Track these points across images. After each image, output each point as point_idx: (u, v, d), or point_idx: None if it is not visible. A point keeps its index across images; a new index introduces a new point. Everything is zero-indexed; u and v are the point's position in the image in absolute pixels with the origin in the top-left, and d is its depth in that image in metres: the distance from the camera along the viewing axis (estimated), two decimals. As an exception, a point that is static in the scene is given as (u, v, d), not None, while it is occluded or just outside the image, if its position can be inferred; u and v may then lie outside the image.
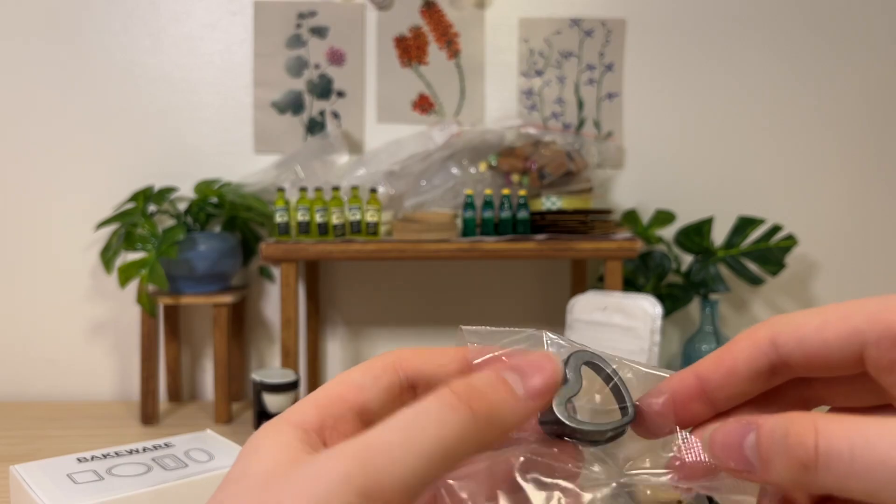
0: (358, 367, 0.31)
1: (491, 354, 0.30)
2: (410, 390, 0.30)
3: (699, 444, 0.28)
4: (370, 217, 1.10)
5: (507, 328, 0.31)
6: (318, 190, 1.13)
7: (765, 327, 0.28)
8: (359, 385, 0.30)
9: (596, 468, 0.28)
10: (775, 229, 1.22)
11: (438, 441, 0.25)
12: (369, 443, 0.25)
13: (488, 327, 0.31)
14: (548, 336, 0.31)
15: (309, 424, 0.28)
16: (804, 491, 0.25)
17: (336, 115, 1.28)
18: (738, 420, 0.26)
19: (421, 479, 0.25)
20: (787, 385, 0.29)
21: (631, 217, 1.27)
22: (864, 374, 0.27)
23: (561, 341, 0.31)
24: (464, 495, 0.27)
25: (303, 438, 0.27)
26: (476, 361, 0.30)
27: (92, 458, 0.67)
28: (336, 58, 1.28)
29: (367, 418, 0.29)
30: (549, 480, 0.28)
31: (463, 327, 0.31)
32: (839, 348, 0.27)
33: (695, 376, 0.29)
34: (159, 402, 1.17)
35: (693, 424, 0.29)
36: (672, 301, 1.22)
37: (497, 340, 0.31)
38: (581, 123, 1.30)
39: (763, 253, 1.23)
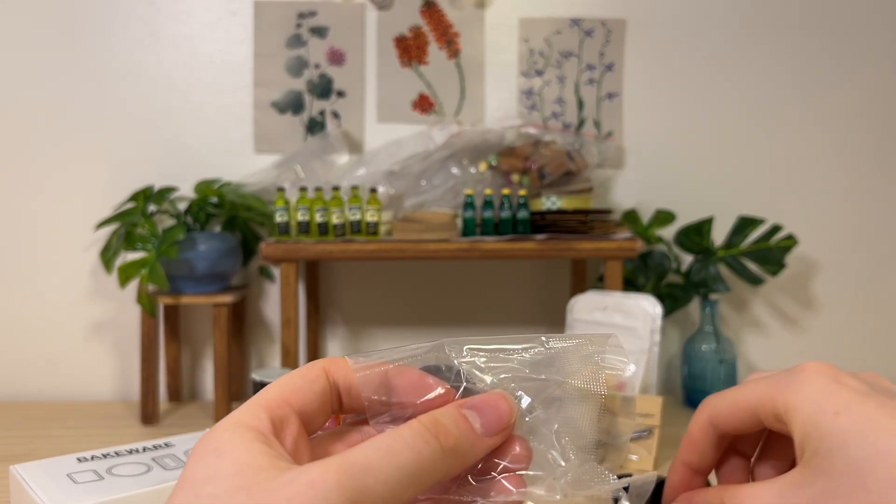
0: (295, 371, 0.34)
1: (383, 369, 0.34)
2: (338, 396, 0.34)
3: None
4: (370, 217, 1.10)
5: (392, 349, 0.34)
6: (318, 190, 1.13)
7: (704, 412, 0.39)
8: (299, 389, 0.32)
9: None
10: (775, 229, 1.22)
11: (413, 466, 0.29)
12: (356, 461, 0.28)
13: (372, 354, 0.34)
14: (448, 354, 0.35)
15: (265, 428, 0.30)
16: None
17: (336, 115, 1.28)
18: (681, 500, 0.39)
19: (398, 497, 0.28)
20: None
21: (631, 217, 1.27)
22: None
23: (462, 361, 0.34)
24: None
25: (265, 442, 0.29)
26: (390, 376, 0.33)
27: (92, 458, 0.67)
28: (336, 58, 1.28)
29: (306, 420, 0.32)
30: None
31: (349, 359, 0.34)
32: (747, 421, 0.37)
33: (683, 465, 0.40)
34: (159, 402, 1.17)
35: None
36: (672, 301, 1.22)
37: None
38: (581, 123, 1.30)
39: (763, 253, 1.22)
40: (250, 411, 0.31)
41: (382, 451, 0.28)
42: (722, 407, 0.37)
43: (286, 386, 0.32)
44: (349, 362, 0.33)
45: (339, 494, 0.26)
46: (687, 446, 0.39)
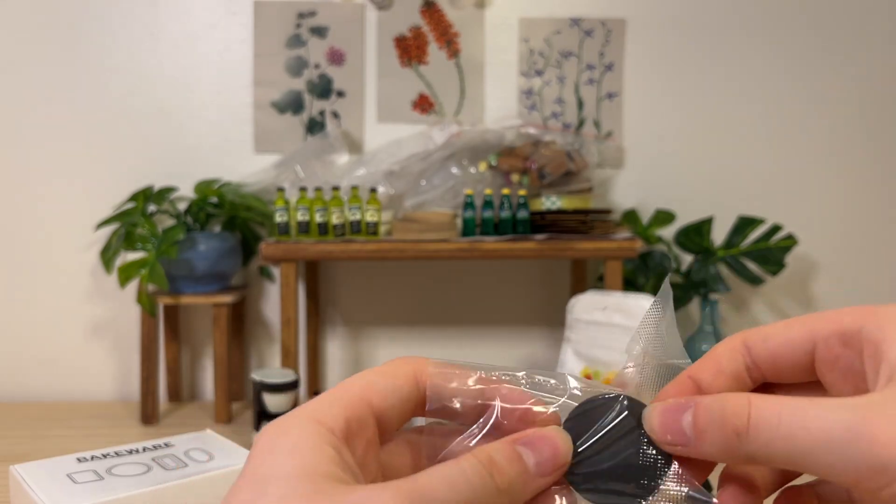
0: (380, 370, 0.32)
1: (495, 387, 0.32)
2: (423, 404, 0.32)
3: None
4: (370, 217, 1.10)
5: (477, 370, 0.32)
6: (318, 190, 1.13)
7: (739, 333, 0.33)
8: (382, 392, 0.31)
9: None
10: (775, 229, 1.22)
11: (469, 500, 0.28)
12: (422, 490, 0.27)
13: (458, 366, 0.32)
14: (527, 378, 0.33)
15: (337, 428, 0.29)
16: (731, 461, 0.30)
17: (336, 115, 1.28)
18: (676, 399, 0.31)
19: None
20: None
21: (631, 217, 1.27)
22: (816, 384, 0.32)
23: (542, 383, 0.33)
24: None
25: (336, 447, 0.28)
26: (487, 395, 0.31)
27: (92, 458, 0.67)
28: (336, 58, 1.28)
29: (383, 425, 0.31)
30: None
31: (431, 364, 0.32)
32: (799, 345, 0.32)
33: (689, 378, 0.33)
34: (159, 402, 1.17)
35: None
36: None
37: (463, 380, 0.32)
38: (581, 123, 1.30)
39: (763, 253, 1.23)
40: (327, 408, 0.29)
41: (447, 483, 0.28)
42: (767, 330, 0.33)
43: (370, 386, 0.31)
44: (431, 367, 0.32)
45: None
46: (703, 361, 0.34)
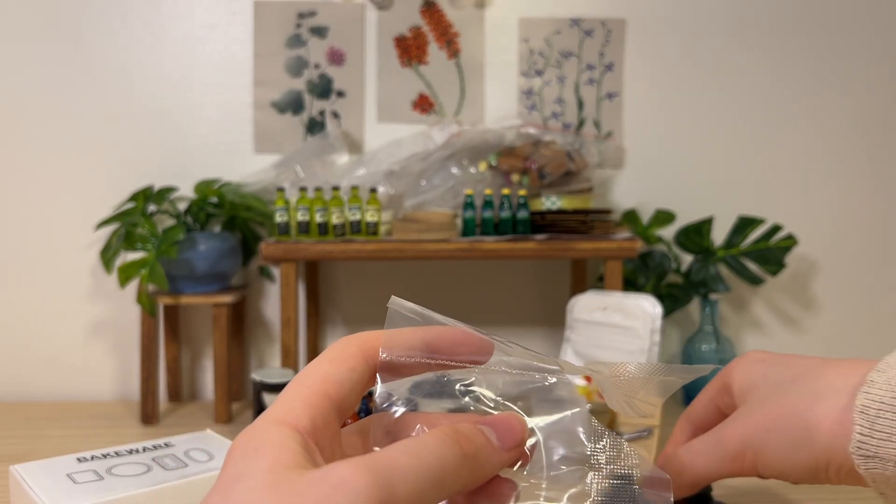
0: (331, 358, 0.33)
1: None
2: (373, 377, 0.34)
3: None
4: (370, 217, 1.10)
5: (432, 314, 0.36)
6: (318, 190, 1.13)
7: (680, 417, 0.59)
8: (338, 381, 0.32)
9: None
10: (775, 229, 1.22)
11: (438, 469, 0.29)
12: (383, 461, 0.28)
13: (415, 307, 0.36)
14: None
15: (302, 427, 0.30)
16: (691, 490, 0.52)
17: (336, 115, 1.28)
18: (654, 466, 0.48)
19: (424, 500, 0.28)
20: None
21: (631, 217, 1.27)
22: None
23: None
24: None
25: (301, 443, 0.29)
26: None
27: (92, 458, 0.67)
28: (336, 58, 1.28)
29: (342, 412, 0.33)
30: None
31: (392, 301, 0.35)
32: (709, 405, 0.56)
33: (664, 454, 0.55)
34: (159, 402, 1.17)
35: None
36: (672, 301, 1.22)
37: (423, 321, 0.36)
38: (581, 123, 1.30)
39: (763, 253, 1.23)
40: (291, 409, 0.30)
41: (409, 453, 0.29)
42: (690, 407, 0.57)
43: (326, 378, 0.32)
44: (394, 301, 0.36)
45: (366, 496, 0.26)
46: (669, 443, 0.57)
